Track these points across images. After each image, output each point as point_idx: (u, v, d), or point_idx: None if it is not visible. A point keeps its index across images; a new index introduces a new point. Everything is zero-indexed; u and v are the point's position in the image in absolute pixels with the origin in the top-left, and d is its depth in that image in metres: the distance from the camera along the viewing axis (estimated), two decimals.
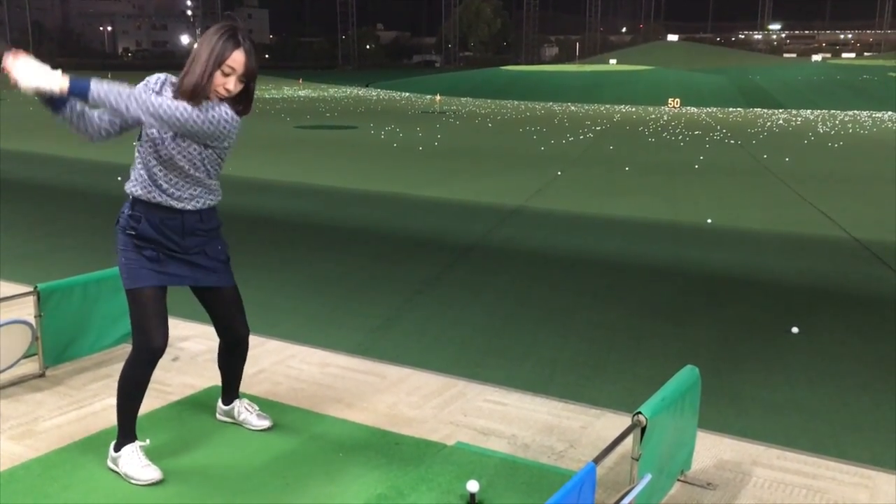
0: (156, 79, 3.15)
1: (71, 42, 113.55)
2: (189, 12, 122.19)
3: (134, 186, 3.18)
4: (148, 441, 3.33)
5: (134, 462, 3.21)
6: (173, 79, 3.16)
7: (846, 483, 3.31)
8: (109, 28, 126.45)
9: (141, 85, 3.08)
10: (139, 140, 3.15)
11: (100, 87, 2.85)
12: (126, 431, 3.28)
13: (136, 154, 3.17)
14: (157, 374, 4.30)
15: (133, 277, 3.17)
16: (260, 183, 13.18)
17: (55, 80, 2.83)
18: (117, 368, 4.36)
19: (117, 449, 3.27)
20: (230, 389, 3.71)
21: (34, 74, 2.82)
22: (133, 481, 3.17)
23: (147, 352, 3.22)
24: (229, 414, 3.73)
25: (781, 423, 4.23)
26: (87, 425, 3.71)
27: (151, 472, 3.19)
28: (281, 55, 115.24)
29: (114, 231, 3.27)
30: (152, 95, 2.96)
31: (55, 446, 3.49)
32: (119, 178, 13.02)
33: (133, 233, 3.18)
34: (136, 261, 3.18)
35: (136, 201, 3.18)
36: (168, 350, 4.66)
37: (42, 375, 4.26)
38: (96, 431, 3.63)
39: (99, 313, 4.49)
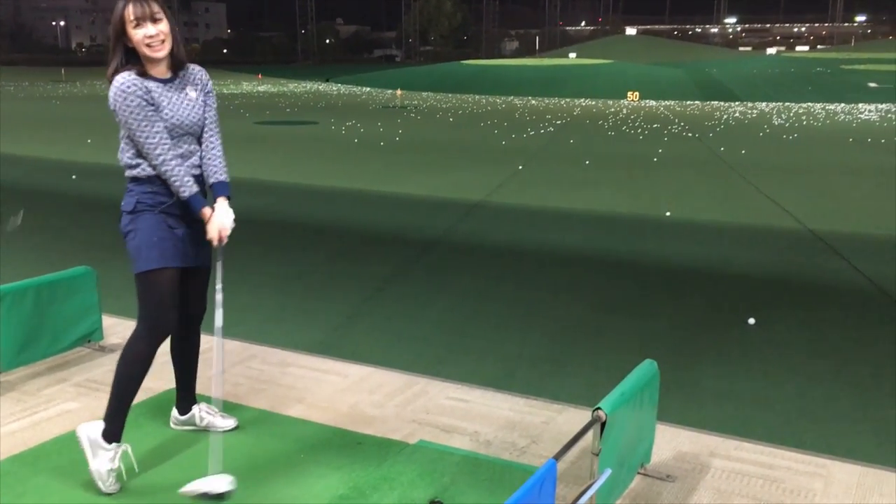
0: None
1: (23, 37, 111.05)
2: None
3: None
4: (129, 446, 3.25)
5: (108, 464, 3.14)
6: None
7: (802, 472, 3.37)
8: (62, 23, 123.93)
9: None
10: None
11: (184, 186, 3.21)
12: (119, 426, 3.22)
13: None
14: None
15: (166, 256, 3.22)
16: None
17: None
18: (73, 372, 4.32)
19: (109, 440, 3.19)
20: (186, 391, 3.64)
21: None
22: (97, 482, 3.11)
23: (157, 331, 3.26)
24: (189, 423, 3.66)
25: (738, 414, 4.30)
26: (42, 431, 3.63)
27: (113, 485, 3.14)
28: (239, 50, 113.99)
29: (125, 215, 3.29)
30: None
31: (9, 453, 3.41)
32: (74, 177, 12.78)
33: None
34: (168, 239, 3.24)
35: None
36: None
37: None
38: (51, 438, 3.56)
39: (54, 316, 4.40)
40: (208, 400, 3.83)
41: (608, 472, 2.79)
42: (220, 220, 3.25)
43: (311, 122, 25.58)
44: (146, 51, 3.15)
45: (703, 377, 4.81)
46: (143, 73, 3.19)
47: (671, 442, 3.62)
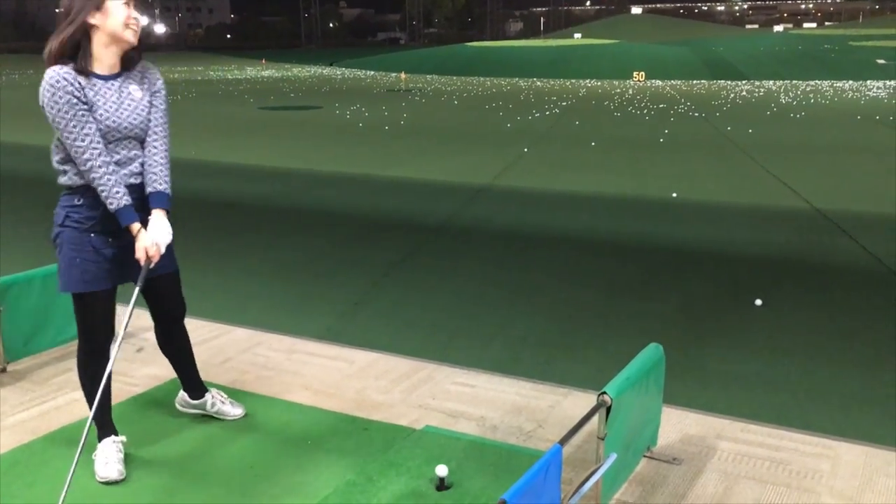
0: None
1: (26, 25, 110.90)
2: None
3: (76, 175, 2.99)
4: (124, 437, 3.28)
5: (101, 456, 3.18)
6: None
7: (809, 454, 3.37)
8: None
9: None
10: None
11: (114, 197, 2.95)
12: (99, 424, 3.24)
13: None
14: (121, 365, 4.27)
15: (88, 280, 3.04)
16: (223, 166, 13.03)
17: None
18: None
19: (98, 439, 3.23)
20: (192, 380, 3.63)
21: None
22: (96, 475, 3.13)
23: (92, 343, 3.19)
24: (200, 407, 3.66)
25: (745, 395, 4.29)
26: (51, 420, 3.66)
27: (108, 471, 3.13)
28: (243, 35, 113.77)
29: (52, 233, 3.08)
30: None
31: (18, 443, 3.43)
32: None
33: (90, 225, 3.03)
34: (92, 262, 3.03)
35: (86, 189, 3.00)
36: (132, 341, 4.64)
37: (3, 371, 4.19)
38: (60, 426, 3.58)
39: (60, 306, 4.41)
40: (217, 387, 3.84)
41: (614, 456, 2.80)
42: (151, 236, 3.00)
43: (316, 106, 25.53)
44: (125, 34, 2.94)
45: (709, 359, 4.80)
46: (83, 69, 2.91)
47: (677, 425, 3.62)
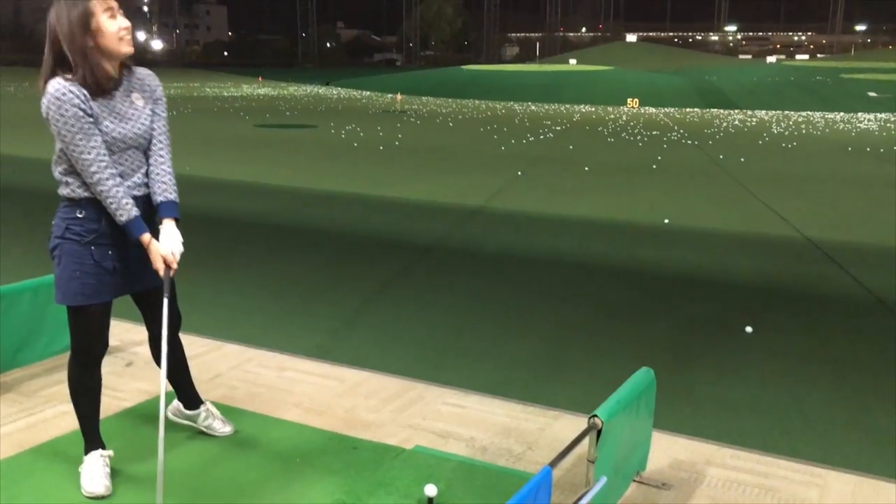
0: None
1: (24, 38, 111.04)
2: (145, 9, 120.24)
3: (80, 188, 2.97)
4: (111, 452, 3.26)
5: (87, 471, 3.16)
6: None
7: (797, 482, 3.38)
8: None
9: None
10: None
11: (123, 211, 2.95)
12: (87, 437, 3.23)
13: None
14: (111, 379, 4.26)
15: (87, 294, 3.01)
16: (217, 182, 13.03)
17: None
18: None
19: (85, 452, 3.22)
20: (188, 391, 3.62)
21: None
22: (82, 490, 3.11)
23: (88, 356, 3.17)
24: (192, 419, 3.64)
25: (735, 422, 4.30)
26: (38, 433, 3.63)
27: (94, 486, 3.10)
28: (240, 53, 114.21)
29: (52, 245, 3.05)
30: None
31: (6, 455, 3.41)
32: None
33: (93, 237, 3.00)
34: (93, 275, 3.01)
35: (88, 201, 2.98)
36: (122, 355, 4.62)
37: None
38: (47, 439, 3.56)
39: (50, 318, 4.40)
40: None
41: (604, 479, 2.80)
42: (166, 246, 3.00)
43: (311, 125, 25.60)
44: (120, 46, 2.91)
45: (699, 384, 4.81)
46: (84, 80, 2.86)
47: (667, 450, 3.62)
